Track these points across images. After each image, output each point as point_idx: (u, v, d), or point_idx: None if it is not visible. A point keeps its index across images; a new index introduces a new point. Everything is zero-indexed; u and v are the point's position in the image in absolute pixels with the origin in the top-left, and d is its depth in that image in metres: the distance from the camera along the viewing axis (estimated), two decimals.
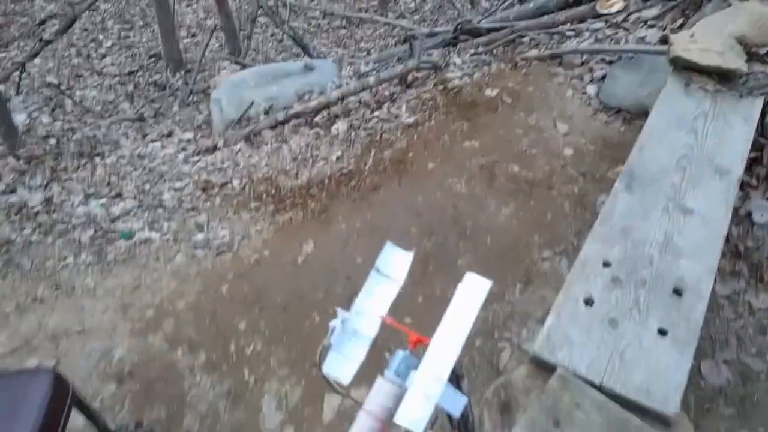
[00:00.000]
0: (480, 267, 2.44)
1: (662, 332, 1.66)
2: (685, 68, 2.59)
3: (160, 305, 2.57)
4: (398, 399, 0.74)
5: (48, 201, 3.48)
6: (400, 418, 0.69)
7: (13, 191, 3.69)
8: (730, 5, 3.05)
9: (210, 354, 2.29)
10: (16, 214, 3.35)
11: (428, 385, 0.70)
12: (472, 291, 0.74)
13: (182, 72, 5.86)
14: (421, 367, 0.72)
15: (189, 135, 4.34)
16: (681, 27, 3.36)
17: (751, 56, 2.64)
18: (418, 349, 0.78)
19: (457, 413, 0.73)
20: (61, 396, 1.65)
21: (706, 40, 2.63)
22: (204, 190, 3.50)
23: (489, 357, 2.08)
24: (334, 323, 0.78)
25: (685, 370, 1.55)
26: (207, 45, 5.90)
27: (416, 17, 7.51)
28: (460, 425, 1.35)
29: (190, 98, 5.16)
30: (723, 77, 2.54)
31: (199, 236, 3.05)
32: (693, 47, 2.60)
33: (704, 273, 1.83)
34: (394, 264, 0.82)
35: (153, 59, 6.53)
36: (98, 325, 2.49)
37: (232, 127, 4.17)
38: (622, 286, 1.81)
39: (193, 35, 7.39)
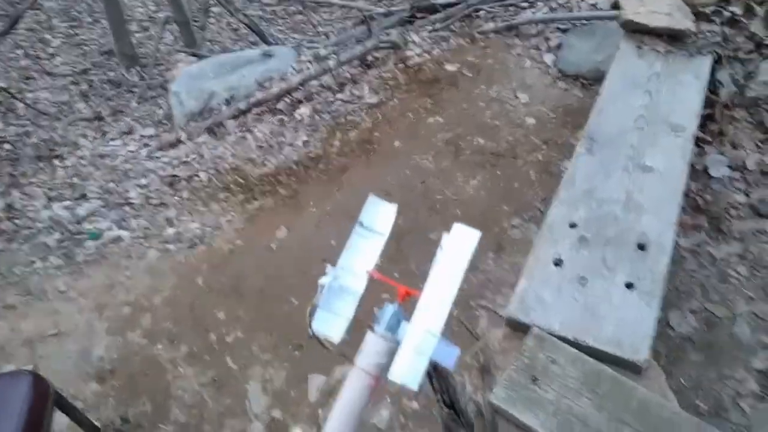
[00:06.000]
0: None
1: (629, 286, 1.72)
2: (636, 31, 2.66)
3: (136, 302, 2.55)
4: (390, 354, 0.74)
5: (9, 207, 3.40)
6: (394, 375, 0.69)
7: None
8: None
9: (191, 345, 2.29)
10: None
11: (421, 339, 0.71)
12: (461, 242, 0.74)
13: (137, 67, 5.72)
14: (412, 322, 0.72)
15: (150, 131, 4.26)
16: None
17: (698, 16, 2.71)
18: (407, 301, 0.78)
19: (451, 366, 0.74)
20: (42, 396, 1.64)
21: (655, 3, 2.70)
22: (171, 184, 3.46)
23: (467, 325, 2.13)
24: (323, 281, 0.78)
25: (653, 320, 1.62)
26: (160, 38, 5.77)
27: None
28: (442, 390, 1.39)
29: (148, 93, 5.05)
30: (672, 38, 2.61)
31: (170, 231, 3.02)
32: (642, 10, 2.67)
33: (666, 227, 1.90)
34: (379, 217, 0.81)
35: (105, 56, 6.35)
36: (74, 327, 2.46)
37: (194, 120, 4.11)
38: (588, 245, 1.87)
39: (146, 29, 7.19)
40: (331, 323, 0.79)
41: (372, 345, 0.75)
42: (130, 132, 4.25)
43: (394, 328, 0.76)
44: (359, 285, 0.80)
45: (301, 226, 2.77)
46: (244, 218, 2.99)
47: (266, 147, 3.61)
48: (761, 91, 2.60)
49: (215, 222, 3.03)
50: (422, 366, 0.71)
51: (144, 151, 3.91)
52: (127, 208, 3.27)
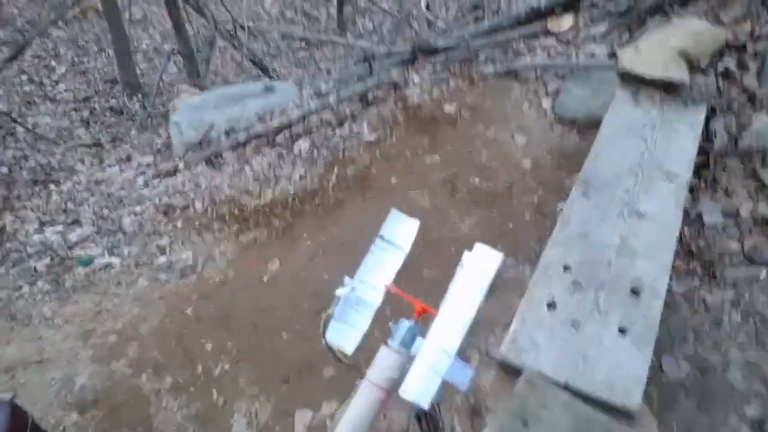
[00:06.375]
0: (446, 277, 2.47)
1: (622, 331, 1.71)
2: (632, 80, 2.71)
3: (122, 330, 2.51)
4: (402, 369, 0.72)
5: (1, 230, 3.38)
6: (405, 392, 0.67)
7: None
8: (670, 21, 3.21)
9: (176, 377, 2.24)
10: None
11: (435, 358, 0.69)
12: (481, 262, 0.72)
13: (140, 96, 5.79)
14: (428, 339, 0.70)
15: (148, 159, 4.28)
16: (627, 42, 3.52)
17: (693, 68, 2.78)
18: (423, 319, 0.76)
19: (464, 387, 0.71)
20: (20, 427, 1.59)
21: (651, 54, 2.76)
22: (165, 213, 3.46)
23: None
24: (340, 292, 0.77)
25: (645, 366, 1.61)
26: (164, 69, 5.86)
27: (374, 37, 7.62)
28: (430, 431, 1.36)
29: (149, 122, 5.09)
30: (668, 88, 2.66)
31: (162, 259, 3.00)
32: (638, 60, 2.73)
33: (659, 273, 1.91)
34: (400, 231, 0.80)
35: (109, 84, 6.44)
36: (57, 354, 2.41)
37: (193, 150, 4.13)
38: (582, 288, 1.86)
39: (150, 60, 7.31)
40: (345, 334, 0.78)
41: (385, 359, 0.73)
42: (128, 159, 4.27)
43: (408, 343, 0.74)
44: (376, 298, 0.79)
45: (295, 260, 2.75)
46: (238, 249, 2.98)
47: (263, 179, 3.62)
48: (754, 142, 2.64)
49: (208, 252, 3.01)
50: (435, 384, 0.69)
51: (141, 179, 3.92)
52: (120, 235, 3.25)
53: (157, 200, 3.60)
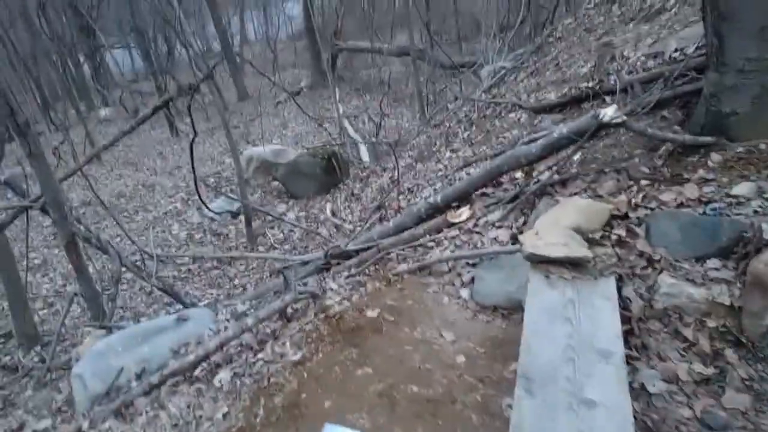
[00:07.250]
0: None
1: None
2: (540, 263, 2.82)
3: None
4: None
5: None
6: None
7: None
8: (557, 201, 3.49)
9: None
10: None
11: None
12: None
13: (38, 348, 5.31)
14: None
15: (46, 423, 3.77)
16: (524, 224, 3.75)
17: (590, 242, 2.95)
18: None
19: None
20: None
21: (549, 235, 2.92)
22: None
23: None
24: None
25: None
26: (66, 314, 5.51)
27: (286, 247, 7.76)
28: None
29: (48, 377, 4.61)
30: (574, 264, 2.78)
31: None
32: (540, 243, 2.87)
33: None
34: None
35: (2, 339, 5.92)
36: None
37: (99, 403, 3.70)
38: None
39: (51, 305, 6.92)
40: None
41: None
42: (20, 429, 3.74)
43: None
44: None
45: None
46: None
47: (182, 425, 3.25)
48: (667, 302, 2.73)
49: None
50: None
51: None
52: None
53: None
